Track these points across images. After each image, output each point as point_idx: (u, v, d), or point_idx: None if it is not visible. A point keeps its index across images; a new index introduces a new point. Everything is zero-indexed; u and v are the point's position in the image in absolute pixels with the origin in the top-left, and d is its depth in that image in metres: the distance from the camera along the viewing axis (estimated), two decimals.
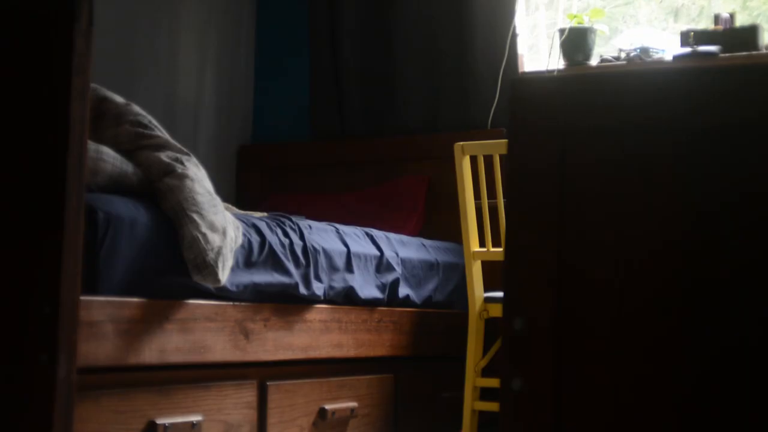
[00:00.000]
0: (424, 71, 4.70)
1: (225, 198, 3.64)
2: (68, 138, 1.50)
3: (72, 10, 1.51)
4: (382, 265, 3.72)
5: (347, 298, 3.52)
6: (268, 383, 3.14)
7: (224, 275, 2.97)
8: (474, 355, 3.56)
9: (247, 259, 3.15)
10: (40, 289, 1.48)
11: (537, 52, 4.87)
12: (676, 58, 4.26)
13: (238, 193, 4.86)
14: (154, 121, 3.24)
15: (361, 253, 3.62)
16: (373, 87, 4.81)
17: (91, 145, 2.87)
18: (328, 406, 3.36)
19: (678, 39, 4.35)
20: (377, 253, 3.71)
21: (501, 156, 3.47)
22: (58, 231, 1.48)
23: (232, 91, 4.94)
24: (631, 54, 4.35)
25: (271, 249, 3.24)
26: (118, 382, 2.79)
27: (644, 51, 4.34)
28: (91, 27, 1.54)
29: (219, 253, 2.93)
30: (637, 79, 1.42)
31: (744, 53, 4.18)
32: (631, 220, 1.34)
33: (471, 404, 3.54)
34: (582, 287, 1.35)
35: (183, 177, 2.99)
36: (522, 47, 4.71)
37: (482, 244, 3.58)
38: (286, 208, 4.19)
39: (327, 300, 3.41)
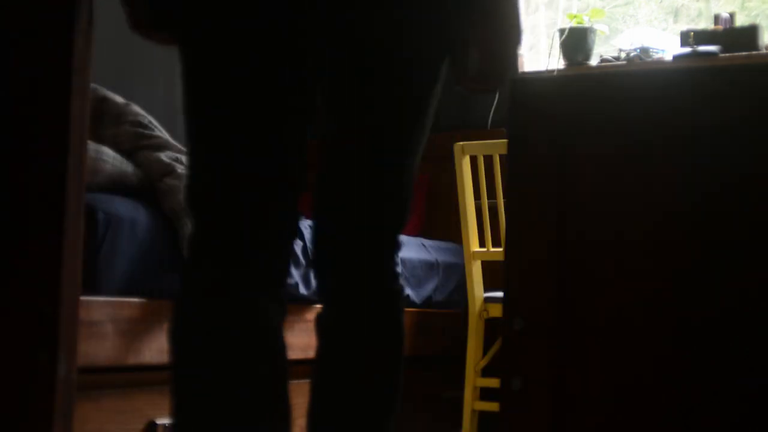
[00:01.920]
0: None
1: None
2: (68, 138, 1.50)
3: (72, 10, 1.51)
4: None
5: None
6: None
7: None
8: (474, 355, 3.56)
9: None
10: (40, 289, 1.48)
11: (537, 52, 4.87)
12: (676, 58, 4.26)
13: None
14: (154, 121, 3.24)
15: None
16: None
17: (91, 145, 2.87)
18: None
19: (678, 39, 4.35)
20: None
21: (501, 156, 3.47)
22: (58, 231, 1.48)
23: None
24: (631, 54, 4.35)
25: None
26: (118, 382, 2.78)
27: (644, 51, 4.34)
28: (91, 27, 1.54)
29: None
30: (637, 79, 1.42)
31: (744, 53, 4.18)
32: (632, 220, 1.34)
33: (471, 404, 3.54)
34: (582, 287, 1.35)
35: (183, 177, 2.99)
36: (522, 47, 4.71)
37: (482, 244, 3.58)
38: None
39: None
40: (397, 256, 1.80)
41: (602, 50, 4.60)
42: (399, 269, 1.81)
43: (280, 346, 1.72)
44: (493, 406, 3.43)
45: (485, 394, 3.56)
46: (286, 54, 1.57)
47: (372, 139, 1.64)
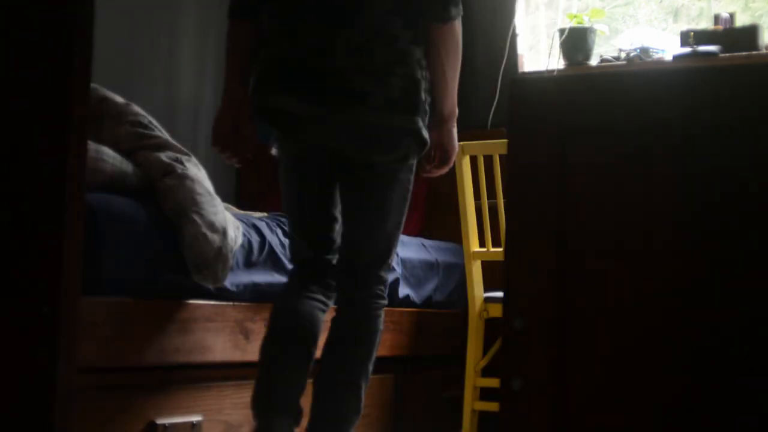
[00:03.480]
0: None
1: (225, 198, 3.64)
2: (68, 138, 1.50)
3: (72, 10, 1.51)
4: None
5: None
6: None
7: (224, 275, 2.97)
8: (474, 355, 3.56)
9: (247, 259, 3.15)
10: (40, 289, 1.49)
11: (537, 52, 4.87)
12: (676, 58, 4.26)
13: (238, 193, 4.86)
14: (154, 121, 3.24)
15: None
16: None
17: (91, 145, 2.87)
18: None
19: (678, 39, 4.35)
20: None
21: (501, 156, 3.47)
22: (58, 231, 1.48)
23: None
24: (631, 54, 4.35)
25: (271, 249, 3.24)
26: (118, 382, 2.79)
27: (644, 51, 4.34)
28: (91, 27, 1.54)
29: (219, 253, 2.93)
30: (637, 79, 1.42)
31: (744, 53, 4.18)
32: (631, 219, 1.34)
33: (471, 404, 3.54)
34: (582, 287, 1.35)
35: (183, 177, 2.99)
36: (522, 47, 4.71)
37: (482, 244, 3.58)
38: None
39: None
40: (383, 285, 2.84)
41: (602, 50, 4.60)
42: (384, 293, 2.85)
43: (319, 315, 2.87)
44: (493, 406, 3.43)
45: (485, 394, 3.56)
46: (321, 172, 2.83)
47: (367, 214, 2.79)
